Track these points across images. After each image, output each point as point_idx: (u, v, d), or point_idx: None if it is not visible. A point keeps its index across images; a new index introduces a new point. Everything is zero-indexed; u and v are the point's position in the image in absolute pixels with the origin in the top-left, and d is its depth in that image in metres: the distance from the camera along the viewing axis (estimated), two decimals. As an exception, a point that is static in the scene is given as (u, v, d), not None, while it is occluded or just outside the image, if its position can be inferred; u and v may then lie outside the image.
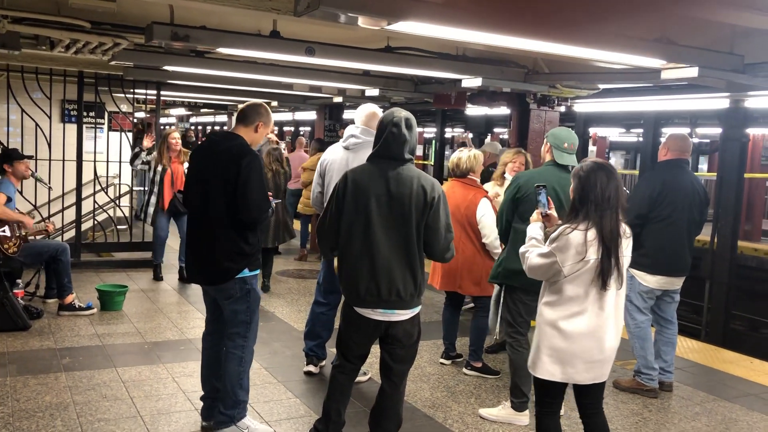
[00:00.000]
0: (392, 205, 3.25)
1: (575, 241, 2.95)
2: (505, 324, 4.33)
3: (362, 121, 4.60)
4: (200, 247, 3.75)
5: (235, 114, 3.88)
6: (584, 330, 3.03)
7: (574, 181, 3.09)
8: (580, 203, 3.01)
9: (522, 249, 3.24)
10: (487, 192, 5.18)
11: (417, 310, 3.38)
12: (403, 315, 3.32)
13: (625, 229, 3.07)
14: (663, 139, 5.16)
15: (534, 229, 3.31)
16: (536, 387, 3.23)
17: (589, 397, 3.21)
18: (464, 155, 5.08)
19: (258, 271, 3.81)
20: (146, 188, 7.64)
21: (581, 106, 8.99)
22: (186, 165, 7.57)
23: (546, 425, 3.22)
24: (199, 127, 28.60)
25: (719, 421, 4.49)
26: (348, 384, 3.56)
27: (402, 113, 3.34)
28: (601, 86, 6.46)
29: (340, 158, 4.61)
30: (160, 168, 7.44)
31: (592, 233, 2.95)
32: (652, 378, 4.82)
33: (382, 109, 4.15)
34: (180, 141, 7.67)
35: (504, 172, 5.71)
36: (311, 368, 4.92)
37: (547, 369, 3.09)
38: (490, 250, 4.93)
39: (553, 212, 3.34)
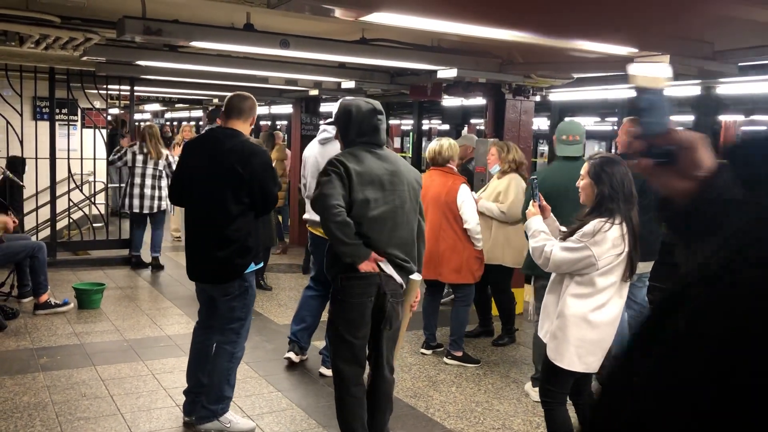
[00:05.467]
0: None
1: (612, 235, 3.03)
2: None
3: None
4: (208, 245, 3.69)
5: (224, 107, 3.82)
6: (610, 319, 3.13)
7: (594, 178, 3.09)
8: (610, 200, 3.05)
9: (534, 243, 3.23)
10: (465, 179, 5.21)
11: None
12: None
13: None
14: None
15: (538, 222, 3.30)
16: (549, 377, 3.25)
17: (590, 379, 3.31)
18: (445, 143, 5.13)
19: (256, 267, 3.79)
20: (126, 181, 7.83)
21: (556, 96, 9.04)
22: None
23: (558, 416, 3.25)
24: (174, 123, 28.29)
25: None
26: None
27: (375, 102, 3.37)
28: (575, 75, 6.50)
29: (313, 153, 4.87)
30: (151, 160, 7.78)
31: (624, 227, 3.06)
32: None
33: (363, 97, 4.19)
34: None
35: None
36: (291, 356, 4.91)
37: (573, 360, 3.13)
38: (471, 236, 4.97)
39: (543, 202, 3.35)
